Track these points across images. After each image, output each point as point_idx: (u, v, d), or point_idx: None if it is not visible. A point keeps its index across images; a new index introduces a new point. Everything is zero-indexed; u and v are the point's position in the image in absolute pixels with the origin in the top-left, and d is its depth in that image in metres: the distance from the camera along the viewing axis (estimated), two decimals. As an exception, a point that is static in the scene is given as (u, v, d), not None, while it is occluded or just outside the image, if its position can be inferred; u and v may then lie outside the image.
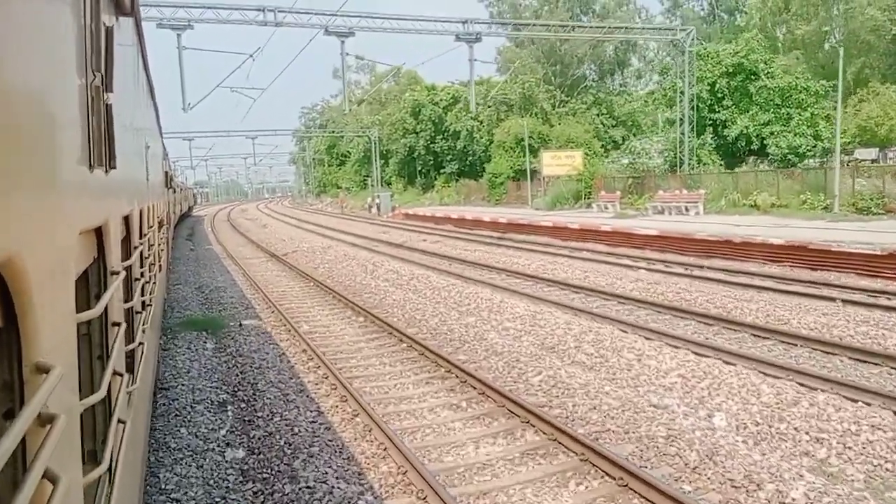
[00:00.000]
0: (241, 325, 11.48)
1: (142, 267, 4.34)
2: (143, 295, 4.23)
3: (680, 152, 30.14)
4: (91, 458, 2.13)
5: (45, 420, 1.10)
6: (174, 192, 29.28)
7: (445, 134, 58.47)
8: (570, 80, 55.67)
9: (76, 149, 1.70)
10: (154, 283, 6.08)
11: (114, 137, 2.46)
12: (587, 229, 23.72)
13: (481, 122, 54.53)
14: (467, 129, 55.12)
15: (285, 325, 12.27)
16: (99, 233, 2.25)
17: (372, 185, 64.51)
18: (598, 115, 52.03)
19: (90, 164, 1.93)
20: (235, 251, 27.58)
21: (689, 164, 30.11)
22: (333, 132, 79.47)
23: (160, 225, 9.06)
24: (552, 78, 54.57)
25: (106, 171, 2.32)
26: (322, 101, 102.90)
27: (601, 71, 58.15)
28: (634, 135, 52.49)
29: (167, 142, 29.49)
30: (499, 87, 41.47)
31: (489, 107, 43.18)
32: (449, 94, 60.27)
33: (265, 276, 19.52)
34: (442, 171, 59.92)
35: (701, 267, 16.77)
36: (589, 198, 32.36)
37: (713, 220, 22.44)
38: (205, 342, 11.08)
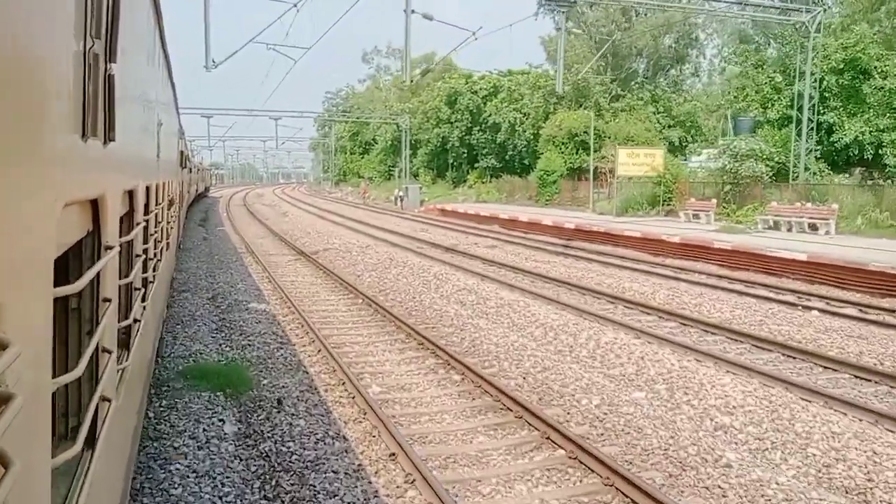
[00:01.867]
0: (279, 402, 7.04)
1: (145, 244, 4.12)
2: (144, 271, 4.11)
3: (795, 158, 25.34)
4: (73, 435, 2.03)
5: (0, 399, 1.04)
6: (189, 171, 25.45)
7: (483, 126, 54.00)
8: (623, 74, 50.91)
9: (65, 117, 1.57)
10: (159, 259, 5.87)
11: (114, 108, 2.21)
12: (692, 244, 19.19)
13: (525, 115, 49.91)
14: (509, 122, 50.55)
15: (344, 384, 7.94)
16: (94, 206, 2.15)
17: (399, 177, 60.03)
18: (655, 112, 47.25)
19: (83, 134, 1.79)
20: (255, 244, 23.37)
21: (808, 172, 25.34)
22: (359, 118, 74.87)
23: (171, 203, 8.69)
24: (604, 70, 49.86)
25: (104, 143, 2.14)
26: (347, 87, 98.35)
27: (655, 66, 53.34)
28: (693, 137, 47.67)
29: (185, 118, 25.42)
30: (583, 72, 36.68)
31: (565, 91, 38.28)
32: (489, 83, 55.77)
33: (296, 283, 15.23)
34: (476, 164, 55.43)
35: (892, 311, 12.28)
36: (669, 203, 27.71)
37: (856, 244, 17.87)
38: (221, 420, 6.69)
